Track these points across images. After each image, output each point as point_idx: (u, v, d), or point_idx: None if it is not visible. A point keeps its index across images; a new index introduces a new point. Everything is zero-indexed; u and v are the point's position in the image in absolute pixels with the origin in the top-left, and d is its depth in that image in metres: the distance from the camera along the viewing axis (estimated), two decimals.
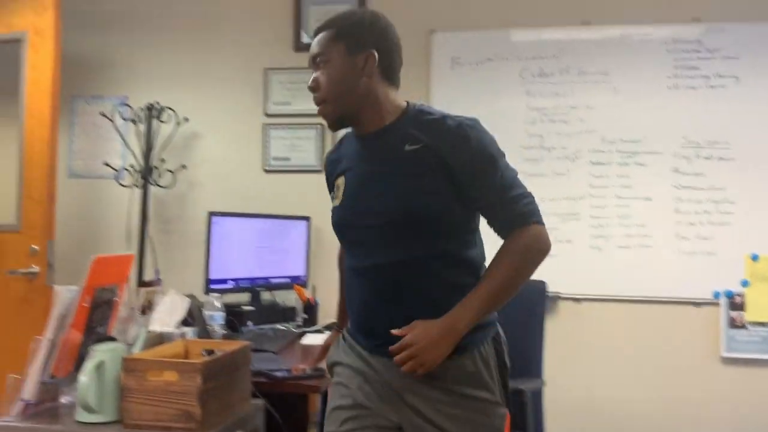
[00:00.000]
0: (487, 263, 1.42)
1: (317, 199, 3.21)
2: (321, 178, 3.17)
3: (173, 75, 3.34)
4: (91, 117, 3.38)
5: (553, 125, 3.08)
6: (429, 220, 1.35)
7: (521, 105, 3.10)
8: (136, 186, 3.23)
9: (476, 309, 1.33)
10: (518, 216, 1.37)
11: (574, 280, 3.01)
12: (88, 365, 1.48)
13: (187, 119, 3.26)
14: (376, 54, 1.42)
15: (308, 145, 3.24)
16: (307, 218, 3.10)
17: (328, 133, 3.19)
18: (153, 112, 3.19)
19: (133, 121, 3.27)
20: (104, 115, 3.25)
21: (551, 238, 1.39)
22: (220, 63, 3.33)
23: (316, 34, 1.46)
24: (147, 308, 1.83)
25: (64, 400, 1.66)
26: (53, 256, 2.88)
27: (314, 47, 1.46)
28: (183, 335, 1.94)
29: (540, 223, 1.39)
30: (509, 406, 1.44)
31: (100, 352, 1.51)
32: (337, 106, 1.44)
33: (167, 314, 2.07)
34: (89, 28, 3.40)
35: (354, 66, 1.42)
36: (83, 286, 1.52)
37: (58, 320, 1.50)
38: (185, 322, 2.10)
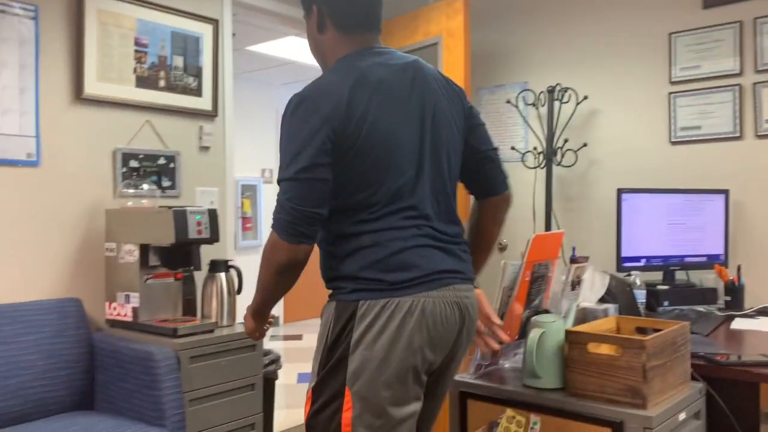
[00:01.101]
0: None
1: (736, 170, 2.89)
2: (739, 147, 2.88)
3: (570, 55, 3.38)
4: (494, 105, 3.64)
5: None
6: None
7: None
8: (540, 167, 3.37)
9: (254, 300, 1.49)
10: (272, 219, 1.38)
11: None
12: (532, 335, 1.61)
13: (586, 97, 3.27)
14: (318, 10, 1.48)
15: (722, 110, 2.93)
16: (724, 191, 2.81)
17: (747, 95, 2.83)
18: (554, 94, 3.27)
19: (534, 105, 3.42)
20: (510, 102, 3.48)
21: None
22: (618, 35, 3.24)
23: None
24: (576, 284, 1.89)
25: (506, 364, 1.84)
26: None
27: None
28: (605, 311, 1.96)
29: (281, 236, 1.35)
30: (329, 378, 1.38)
31: (541, 323, 1.62)
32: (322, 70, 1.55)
33: (588, 290, 2.12)
34: (490, 24, 3.66)
35: (311, 29, 1.51)
36: (524, 262, 1.64)
37: (504, 292, 1.66)
38: (602, 299, 2.12)
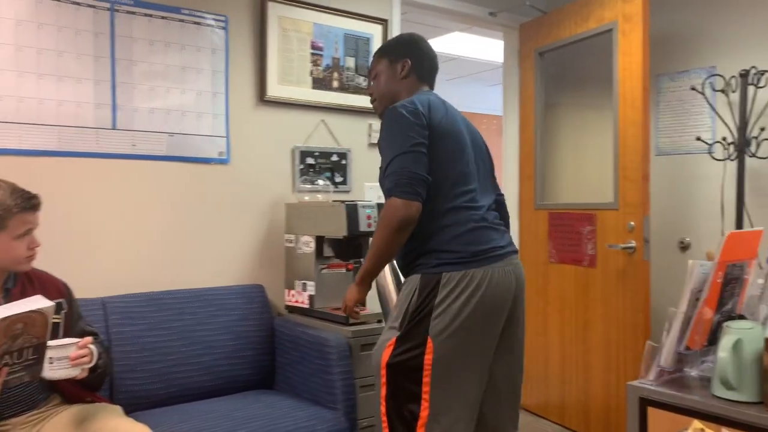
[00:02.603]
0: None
1: None
2: None
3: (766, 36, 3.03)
4: (676, 93, 3.38)
5: None
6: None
7: None
8: (730, 159, 3.07)
9: (364, 266, 1.86)
10: (386, 192, 1.77)
11: None
12: (726, 342, 1.46)
13: None
14: (410, 61, 2.02)
15: None
16: None
17: None
18: (748, 78, 2.96)
19: (723, 91, 3.12)
20: (695, 89, 3.20)
21: None
22: None
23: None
24: None
25: (693, 372, 1.69)
26: (649, 232, 2.99)
27: (370, 71, 2.15)
28: None
29: (390, 187, 1.74)
30: (407, 335, 1.77)
31: (736, 330, 1.47)
32: (384, 103, 2.03)
33: None
34: (672, 4, 3.39)
35: (393, 73, 2.04)
36: (716, 262, 1.50)
37: (691, 294, 1.53)
38: None
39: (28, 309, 1.46)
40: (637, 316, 3.00)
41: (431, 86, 2.07)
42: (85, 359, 1.70)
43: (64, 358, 1.67)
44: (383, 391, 1.80)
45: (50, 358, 1.64)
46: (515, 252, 1.93)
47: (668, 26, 3.41)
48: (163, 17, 2.65)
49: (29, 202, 1.78)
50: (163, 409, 2.32)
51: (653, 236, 3.34)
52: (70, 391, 1.87)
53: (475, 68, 6.22)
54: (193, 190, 2.73)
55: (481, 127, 7.18)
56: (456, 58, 5.80)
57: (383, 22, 3.25)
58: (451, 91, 7.05)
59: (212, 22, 2.78)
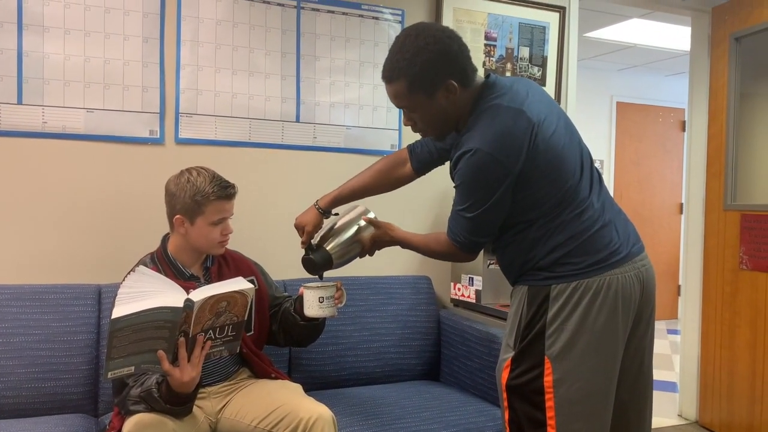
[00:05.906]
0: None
1: None
2: None
3: None
4: None
5: None
6: None
7: None
8: None
9: (403, 240, 1.89)
10: (448, 228, 1.71)
11: None
12: None
13: None
14: (453, 82, 1.59)
15: None
16: None
17: None
18: None
19: None
20: None
21: None
22: None
23: (384, 80, 1.69)
24: None
25: None
26: None
27: (393, 100, 1.69)
28: None
29: (452, 239, 1.70)
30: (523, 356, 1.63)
31: None
32: (438, 132, 1.72)
33: None
34: None
35: (438, 103, 1.62)
36: None
37: None
38: None
39: (233, 289, 1.57)
40: None
41: (475, 70, 1.68)
42: (342, 301, 1.94)
43: (331, 297, 1.86)
44: (506, 416, 1.67)
45: (320, 297, 1.85)
46: (639, 251, 1.68)
47: None
48: (344, 13, 2.74)
49: (225, 191, 1.92)
50: (334, 390, 2.41)
51: None
52: (258, 366, 2.00)
53: (651, 57, 5.81)
54: None
55: (658, 120, 6.67)
56: (632, 46, 5.45)
57: (560, 10, 3.12)
58: (623, 81, 6.63)
59: (389, 17, 2.83)
